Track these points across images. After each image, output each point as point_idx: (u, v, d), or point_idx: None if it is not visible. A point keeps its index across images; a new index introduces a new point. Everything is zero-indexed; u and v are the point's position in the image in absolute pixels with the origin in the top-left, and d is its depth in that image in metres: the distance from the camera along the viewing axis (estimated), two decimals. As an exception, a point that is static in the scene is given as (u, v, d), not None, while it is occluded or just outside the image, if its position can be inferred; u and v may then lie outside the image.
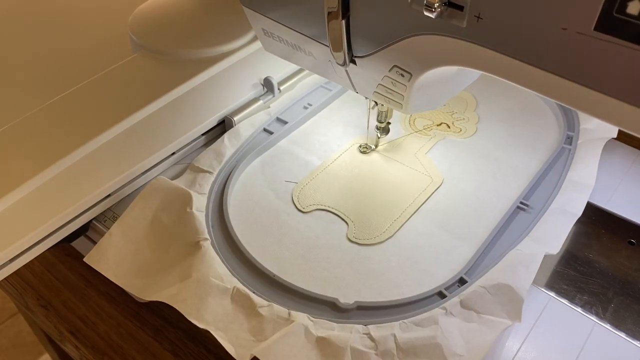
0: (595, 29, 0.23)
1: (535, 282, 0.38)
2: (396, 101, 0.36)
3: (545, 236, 0.38)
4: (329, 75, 0.40)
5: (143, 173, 0.43)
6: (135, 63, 0.50)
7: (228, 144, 0.46)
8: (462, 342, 0.33)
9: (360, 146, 0.47)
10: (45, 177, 0.40)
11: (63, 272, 0.51)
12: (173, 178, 0.44)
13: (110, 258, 0.39)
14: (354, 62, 0.35)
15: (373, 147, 0.47)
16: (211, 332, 0.33)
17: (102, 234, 0.43)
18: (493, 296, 0.35)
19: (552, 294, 0.37)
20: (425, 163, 0.46)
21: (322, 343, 0.33)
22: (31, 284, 0.50)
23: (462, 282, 0.37)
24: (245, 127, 0.47)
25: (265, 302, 0.35)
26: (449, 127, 0.49)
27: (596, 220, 0.42)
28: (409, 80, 0.33)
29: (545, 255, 0.37)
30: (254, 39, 0.50)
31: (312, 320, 0.34)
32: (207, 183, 0.43)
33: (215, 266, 0.36)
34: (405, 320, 0.34)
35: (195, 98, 0.47)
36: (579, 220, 0.42)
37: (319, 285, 0.37)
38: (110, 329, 0.46)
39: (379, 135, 0.47)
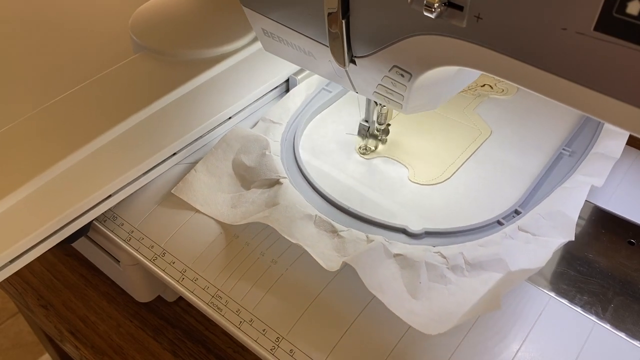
0: (595, 29, 0.23)
1: (535, 282, 0.38)
2: (396, 101, 0.36)
3: (589, 173, 0.42)
4: (328, 75, 0.40)
5: (144, 173, 0.43)
6: (136, 63, 0.50)
7: (293, 100, 0.50)
8: (523, 257, 0.37)
9: (360, 148, 0.47)
10: (46, 178, 0.40)
11: (63, 272, 0.51)
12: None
13: (197, 190, 0.43)
14: (353, 62, 0.35)
15: (373, 148, 0.47)
16: (302, 246, 0.37)
17: (103, 235, 0.43)
18: (547, 220, 0.39)
19: (552, 294, 0.37)
20: (473, 118, 0.50)
21: (399, 258, 0.37)
22: (31, 284, 0.50)
23: (517, 212, 0.41)
24: (307, 86, 0.52)
25: (344, 228, 0.39)
26: (491, 87, 0.54)
27: (596, 220, 0.42)
28: (408, 81, 0.33)
29: (590, 188, 0.41)
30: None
31: (388, 242, 0.38)
32: (279, 132, 0.47)
33: (297, 198, 0.41)
34: (470, 243, 0.38)
35: (203, 95, 0.48)
36: (578, 220, 0.42)
37: (389, 218, 0.41)
38: (110, 329, 0.46)
39: (379, 137, 0.47)
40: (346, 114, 0.51)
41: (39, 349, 1.17)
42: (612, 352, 0.34)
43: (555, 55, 0.25)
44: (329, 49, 0.35)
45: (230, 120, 0.49)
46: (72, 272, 0.51)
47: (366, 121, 0.46)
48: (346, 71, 0.37)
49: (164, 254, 0.41)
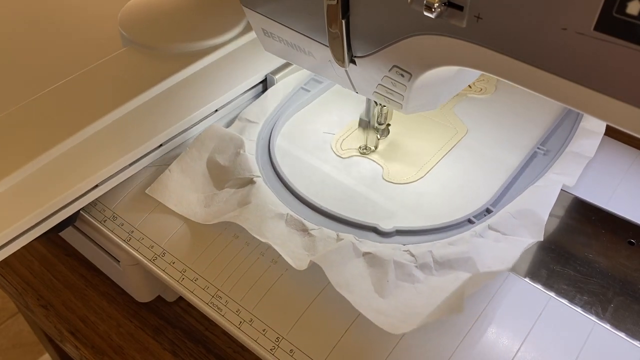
0: (595, 29, 0.23)
1: (535, 282, 0.38)
2: (396, 101, 0.36)
3: (562, 172, 0.43)
4: (329, 75, 0.40)
5: (130, 165, 0.44)
6: (123, 57, 0.50)
7: (271, 99, 0.50)
8: (491, 257, 0.37)
9: (360, 147, 0.47)
10: (33, 168, 0.40)
11: (63, 272, 0.51)
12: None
13: (171, 190, 0.43)
14: (353, 62, 0.35)
15: (373, 148, 0.47)
16: (272, 245, 0.38)
17: (103, 235, 0.43)
18: (517, 220, 0.39)
19: (552, 294, 0.37)
20: (450, 117, 0.50)
21: (368, 256, 0.37)
22: (31, 284, 0.50)
23: (488, 211, 0.41)
24: (285, 85, 0.52)
25: (315, 226, 0.39)
26: (470, 87, 0.54)
27: (596, 220, 0.42)
28: (408, 80, 0.33)
29: (561, 190, 0.42)
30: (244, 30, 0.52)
31: (358, 240, 0.38)
32: (255, 131, 0.47)
33: (269, 197, 0.41)
34: (440, 241, 0.38)
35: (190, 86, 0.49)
36: (578, 220, 0.42)
37: (360, 217, 0.41)
38: (110, 329, 0.46)
39: (379, 137, 0.47)
40: (324, 113, 0.51)
41: (39, 349, 1.17)
42: (612, 352, 0.34)
43: (555, 55, 0.25)
44: (328, 49, 0.35)
45: (216, 113, 0.49)
46: (72, 272, 0.51)
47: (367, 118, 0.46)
48: (346, 71, 0.37)
49: (164, 254, 0.41)
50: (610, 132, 0.49)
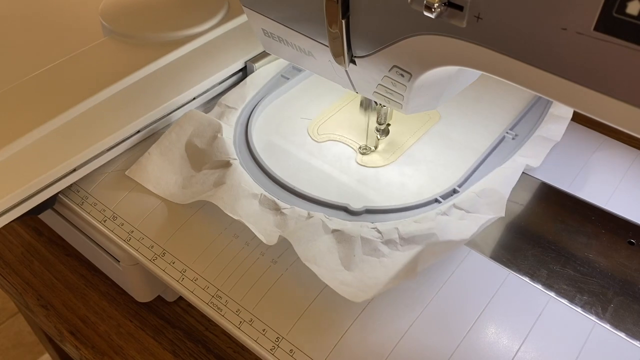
0: (595, 29, 0.23)
1: (535, 282, 0.38)
2: (396, 101, 0.36)
3: (527, 155, 0.45)
4: (329, 75, 0.40)
5: (108, 149, 0.45)
6: (103, 46, 0.51)
7: (250, 86, 0.51)
8: (454, 232, 0.39)
9: (360, 147, 0.47)
10: (11, 150, 0.41)
11: (63, 272, 0.51)
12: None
13: (150, 172, 0.45)
14: (353, 62, 0.35)
15: (373, 148, 0.47)
16: (244, 223, 0.39)
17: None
18: (481, 198, 0.41)
19: (552, 294, 0.38)
20: None
21: (337, 233, 0.39)
22: (31, 284, 0.50)
23: (454, 192, 0.43)
24: (265, 73, 0.53)
25: (287, 205, 0.41)
26: None
27: (596, 220, 0.42)
28: (408, 80, 0.33)
29: (522, 171, 0.43)
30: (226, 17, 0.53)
31: (327, 218, 0.39)
32: (233, 117, 0.49)
33: (244, 178, 0.42)
34: (406, 219, 0.40)
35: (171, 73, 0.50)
36: (578, 220, 0.42)
37: (333, 198, 0.42)
38: (110, 329, 0.46)
39: (379, 137, 0.47)
40: (302, 99, 0.52)
41: (39, 349, 1.17)
42: (612, 352, 0.34)
43: (555, 55, 0.25)
44: (329, 49, 0.35)
45: (195, 101, 0.50)
46: (72, 272, 0.51)
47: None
48: (346, 71, 0.37)
49: (164, 254, 0.41)
50: (610, 132, 0.49)
